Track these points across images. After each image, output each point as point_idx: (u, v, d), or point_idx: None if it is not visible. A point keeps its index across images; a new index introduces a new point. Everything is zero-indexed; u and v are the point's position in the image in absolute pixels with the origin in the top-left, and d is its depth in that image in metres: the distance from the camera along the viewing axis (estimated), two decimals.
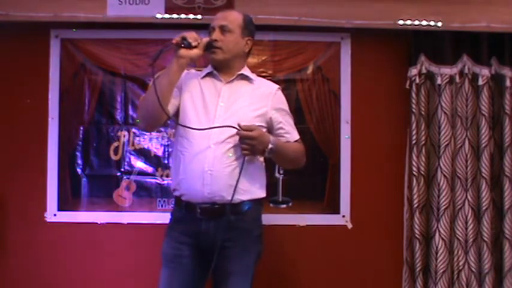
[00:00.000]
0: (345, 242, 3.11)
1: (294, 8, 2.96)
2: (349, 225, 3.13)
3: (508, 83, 3.06)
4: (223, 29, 2.14)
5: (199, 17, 2.93)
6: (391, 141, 3.15)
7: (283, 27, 3.01)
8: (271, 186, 3.07)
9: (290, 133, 2.25)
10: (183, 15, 2.93)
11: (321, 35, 3.10)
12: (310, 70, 3.14)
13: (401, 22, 2.99)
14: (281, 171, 3.08)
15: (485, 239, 3.03)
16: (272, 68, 3.13)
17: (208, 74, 2.20)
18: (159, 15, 2.94)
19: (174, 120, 2.13)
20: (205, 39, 2.09)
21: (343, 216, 3.13)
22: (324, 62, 3.14)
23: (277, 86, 2.28)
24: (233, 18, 2.20)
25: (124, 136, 3.09)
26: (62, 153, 3.08)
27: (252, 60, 3.11)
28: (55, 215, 3.07)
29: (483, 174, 3.04)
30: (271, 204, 3.09)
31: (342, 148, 3.13)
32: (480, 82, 3.06)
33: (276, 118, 2.20)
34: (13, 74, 3.08)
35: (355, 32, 3.09)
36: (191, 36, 2.04)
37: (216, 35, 2.13)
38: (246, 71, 2.23)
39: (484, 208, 3.03)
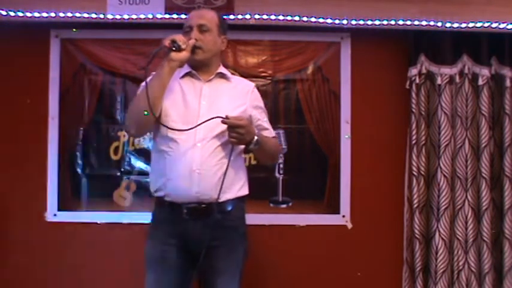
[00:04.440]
0: (345, 242, 3.12)
1: (294, 8, 2.97)
2: (349, 225, 3.13)
3: (508, 83, 3.06)
4: (201, 29, 2.14)
5: None
6: (391, 141, 3.15)
7: (283, 27, 3.01)
8: (271, 186, 3.09)
9: (268, 129, 2.27)
10: (183, 15, 2.93)
11: (321, 35, 3.10)
12: (310, 70, 3.15)
13: (401, 22, 2.99)
14: (281, 171, 3.09)
15: (485, 239, 3.04)
16: (272, 68, 3.14)
17: (187, 74, 2.19)
18: (159, 15, 2.94)
19: (160, 123, 2.09)
20: (192, 41, 2.09)
21: (343, 216, 3.13)
22: (324, 62, 3.15)
23: (253, 84, 2.31)
24: (210, 17, 2.19)
25: (124, 136, 3.09)
26: (62, 153, 3.08)
27: (252, 60, 3.13)
28: (55, 215, 3.07)
29: (483, 174, 3.04)
30: (271, 204, 3.10)
31: (342, 148, 3.14)
32: (480, 82, 3.06)
33: (255, 115, 2.22)
34: (13, 74, 3.08)
35: (355, 32, 3.09)
36: (180, 38, 2.04)
37: (195, 34, 2.12)
38: (223, 69, 2.24)
39: (484, 208, 3.03)
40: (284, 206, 3.11)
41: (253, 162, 3.01)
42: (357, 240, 3.11)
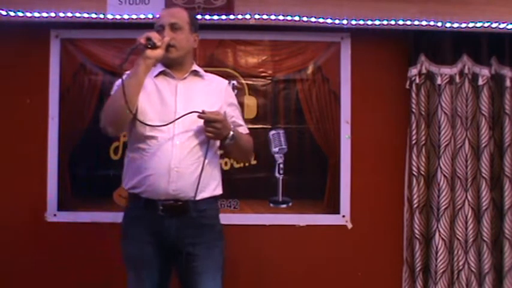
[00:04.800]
0: (345, 242, 3.12)
1: (294, 8, 2.97)
2: (349, 225, 3.13)
3: (508, 83, 3.06)
4: (173, 27, 2.14)
5: (199, 17, 2.92)
6: (391, 141, 3.15)
7: (283, 27, 3.01)
8: (271, 186, 3.09)
9: (242, 126, 2.30)
10: None
11: (321, 35, 3.10)
12: (310, 70, 3.14)
13: (401, 22, 2.99)
14: (281, 171, 3.09)
15: (485, 239, 3.04)
16: (272, 68, 3.14)
17: (161, 73, 2.20)
18: (159, 15, 2.94)
19: (138, 120, 2.09)
20: (167, 39, 2.10)
21: (343, 216, 3.13)
22: (324, 62, 3.15)
23: (227, 81, 2.33)
24: (181, 15, 2.20)
25: (124, 136, 3.09)
26: (62, 153, 3.08)
27: (252, 60, 3.13)
28: (55, 215, 3.07)
29: (483, 174, 3.04)
30: (271, 204, 3.10)
31: (342, 148, 3.13)
32: (480, 82, 3.06)
33: (229, 112, 2.23)
34: (13, 74, 3.08)
35: (355, 32, 3.09)
36: (155, 36, 2.05)
37: (168, 33, 2.13)
38: (196, 67, 2.25)
39: (484, 208, 3.03)
40: (284, 206, 3.11)
41: (253, 162, 3.03)
42: (357, 240, 3.11)
